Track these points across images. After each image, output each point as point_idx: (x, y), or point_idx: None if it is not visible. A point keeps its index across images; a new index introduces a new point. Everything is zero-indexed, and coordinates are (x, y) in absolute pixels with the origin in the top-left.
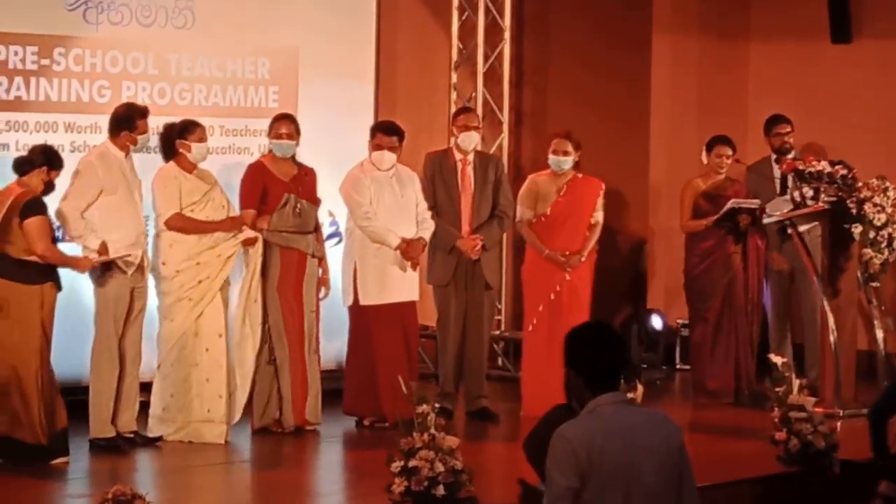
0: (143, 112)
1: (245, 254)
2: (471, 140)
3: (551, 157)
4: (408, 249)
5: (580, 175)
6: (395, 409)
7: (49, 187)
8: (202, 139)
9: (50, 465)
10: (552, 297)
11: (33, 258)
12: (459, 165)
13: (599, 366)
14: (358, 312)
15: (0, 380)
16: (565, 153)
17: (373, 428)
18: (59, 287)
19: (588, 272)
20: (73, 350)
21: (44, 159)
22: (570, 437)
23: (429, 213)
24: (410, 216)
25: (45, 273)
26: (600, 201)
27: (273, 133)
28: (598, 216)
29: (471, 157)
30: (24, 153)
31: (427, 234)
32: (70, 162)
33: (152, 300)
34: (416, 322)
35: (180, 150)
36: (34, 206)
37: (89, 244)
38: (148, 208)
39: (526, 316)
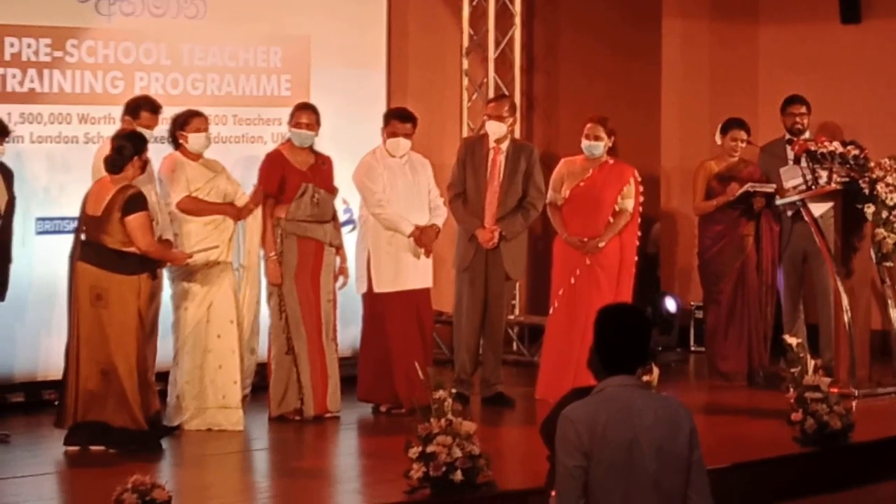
0: (153, 106)
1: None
2: (494, 129)
3: (584, 141)
4: (421, 236)
5: (611, 161)
6: (411, 395)
7: (143, 169)
8: (199, 129)
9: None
10: (572, 280)
11: (131, 249)
12: (492, 154)
13: (616, 348)
14: (372, 300)
15: (100, 367)
16: (597, 138)
17: (389, 414)
18: (154, 277)
19: (615, 259)
20: None
21: (132, 149)
22: (572, 417)
23: (441, 200)
24: (423, 203)
25: (142, 264)
26: (629, 189)
27: (293, 122)
28: (626, 203)
29: (504, 145)
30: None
31: (440, 221)
32: (83, 153)
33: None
34: (431, 308)
35: (180, 141)
36: (137, 202)
37: None
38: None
39: (552, 297)
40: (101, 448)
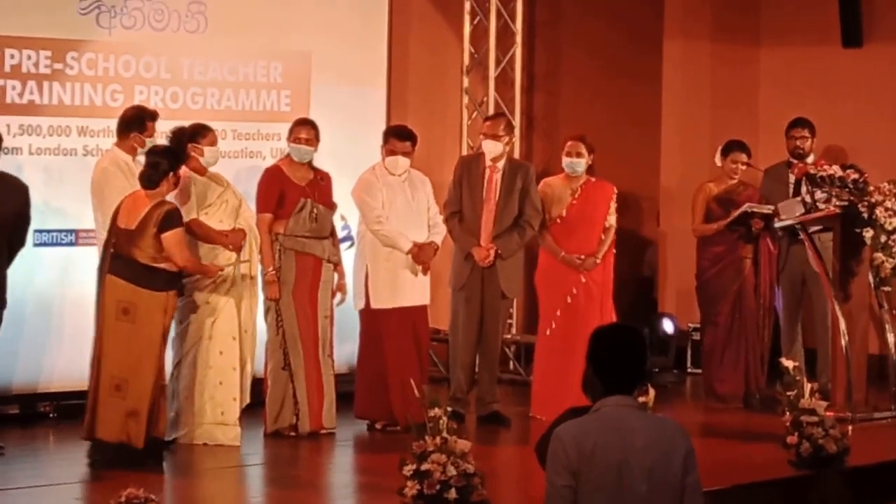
0: (153, 115)
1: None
2: (490, 148)
3: (565, 159)
4: (419, 253)
5: (593, 179)
6: (407, 412)
7: (177, 184)
8: (214, 143)
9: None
10: (569, 300)
11: (161, 265)
12: (488, 172)
13: (613, 368)
14: (369, 316)
15: (119, 382)
16: (578, 155)
17: (384, 431)
18: (181, 294)
19: (605, 275)
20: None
21: (167, 165)
22: (562, 436)
23: (440, 218)
24: (422, 220)
25: (172, 281)
26: (613, 205)
27: (293, 137)
28: (612, 219)
29: (501, 163)
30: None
31: (438, 239)
32: (81, 165)
33: None
34: (427, 326)
35: (192, 154)
36: (173, 219)
37: None
38: None
39: (542, 320)
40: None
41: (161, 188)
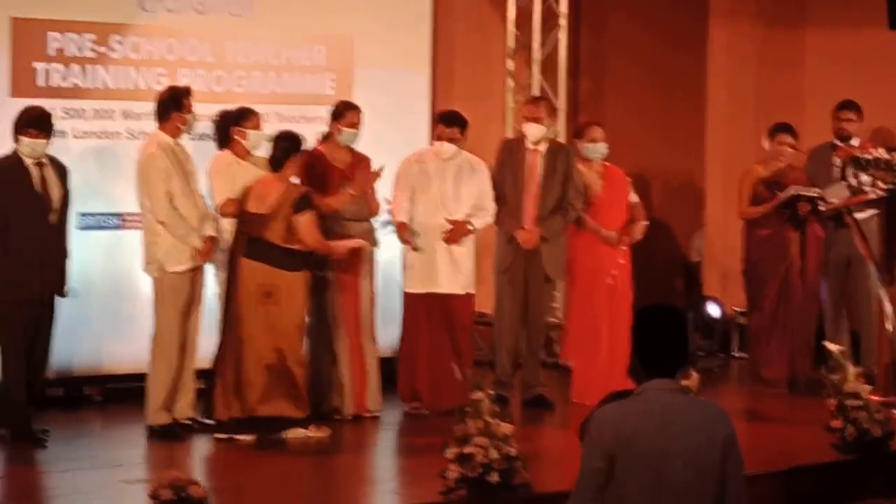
0: (186, 91)
1: None
2: (532, 131)
3: (589, 145)
4: (450, 232)
5: (606, 163)
6: (435, 397)
7: (300, 166)
8: (258, 126)
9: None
10: (609, 281)
11: (294, 246)
12: (530, 156)
13: (654, 351)
14: (406, 299)
15: (268, 362)
16: (603, 140)
17: (414, 416)
18: (312, 273)
19: (629, 256)
20: (131, 338)
21: (290, 147)
22: (601, 418)
23: (493, 205)
24: (457, 206)
25: (306, 260)
26: (630, 184)
27: (344, 121)
28: (635, 196)
29: (542, 146)
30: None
31: (477, 222)
32: (125, 149)
33: (210, 287)
34: (468, 315)
35: (236, 137)
36: (307, 201)
37: (193, 242)
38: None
39: (580, 301)
40: (300, 436)
41: (286, 170)
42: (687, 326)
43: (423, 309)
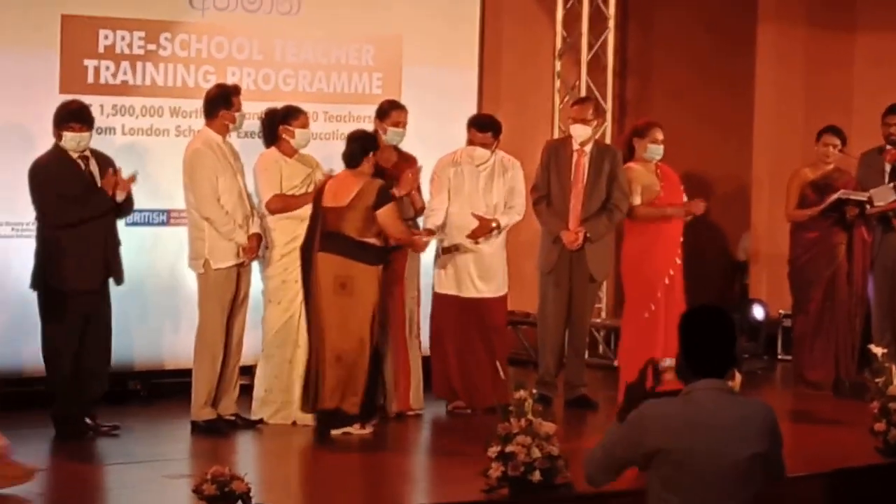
0: (235, 89)
1: None
2: (579, 132)
3: (651, 146)
4: (476, 229)
5: (660, 163)
6: (471, 396)
7: (375, 166)
8: (305, 125)
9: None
10: (667, 281)
11: (370, 240)
12: (575, 156)
13: (703, 351)
14: (434, 299)
15: (339, 353)
16: (663, 142)
17: (457, 414)
18: (386, 268)
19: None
20: (176, 333)
21: (366, 146)
22: (647, 413)
23: (522, 203)
24: (491, 208)
25: (380, 255)
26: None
27: (391, 121)
28: (684, 197)
29: (588, 147)
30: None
31: (504, 220)
32: (173, 146)
33: (255, 285)
34: (500, 314)
35: (283, 136)
36: (386, 195)
37: (238, 239)
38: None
39: (637, 303)
40: (341, 432)
41: (363, 167)
42: (734, 327)
43: (452, 309)
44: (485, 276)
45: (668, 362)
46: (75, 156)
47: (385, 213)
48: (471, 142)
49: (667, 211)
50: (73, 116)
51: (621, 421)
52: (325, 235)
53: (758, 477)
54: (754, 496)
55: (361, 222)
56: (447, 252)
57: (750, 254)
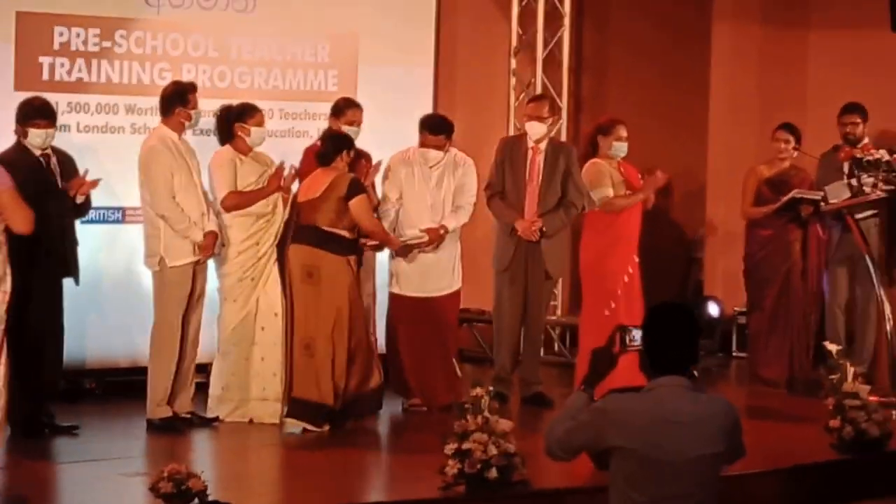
0: (191, 86)
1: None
2: (534, 130)
3: (616, 143)
4: (427, 242)
5: (621, 160)
6: (428, 394)
7: (351, 164)
8: (261, 123)
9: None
10: (626, 279)
11: (341, 232)
12: (530, 153)
13: (665, 348)
14: (389, 298)
15: (308, 342)
16: (627, 138)
17: (413, 412)
18: (360, 263)
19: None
20: (131, 331)
21: (339, 146)
22: (610, 409)
23: (471, 202)
24: (448, 205)
25: (351, 247)
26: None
27: (346, 119)
28: None
29: (543, 145)
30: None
31: (453, 224)
32: (129, 143)
33: (210, 282)
34: (452, 311)
35: (239, 134)
36: (358, 186)
37: (194, 237)
38: None
39: (597, 301)
40: (312, 427)
41: (337, 164)
42: (697, 325)
43: (405, 308)
44: (436, 274)
45: (637, 332)
46: (37, 153)
47: (357, 204)
48: (423, 144)
49: (639, 195)
50: (39, 113)
51: (587, 387)
52: (298, 229)
53: (718, 473)
54: (716, 493)
55: (334, 213)
56: (400, 253)
57: (705, 251)
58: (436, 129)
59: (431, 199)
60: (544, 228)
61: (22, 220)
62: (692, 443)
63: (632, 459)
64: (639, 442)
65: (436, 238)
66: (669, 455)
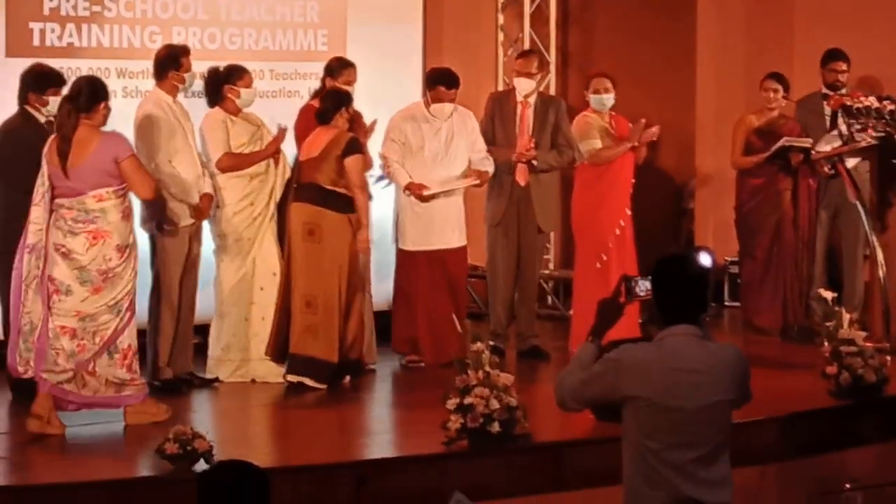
0: (184, 50)
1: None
2: (522, 86)
3: (593, 96)
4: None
5: (612, 113)
6: (437, 350)
7: (350, 120)
8: (250, 84)
9: (338, 383)
10: (618, 232)
11: (341, 189)
12: (520, 108)
13: (675, 298)
14: (400, 256)
15: (309, 299)
16: (607, 91)
17: (411, 368)
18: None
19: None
20: None
21: (338, 103)
22: (623, 359)
23: (486, 150)
24: (456, 163)
25: (351, 204)
26: None
27: (343, 79)
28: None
29: (532, 99)
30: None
31: (490, 167)
32: (121, 107)
33: (207, 244)
34: (463, 266)
35: (228, 95)
36: (356, 145)
37: (191, 200)
38: None
39: (588, 254)
40: (314, 383)
41: (336, 121)
42: (706, 274)
43: (419, 264)
44: (444, 227)
45: (644, 282)
46: (42, 121)
47: (351, 162)
48: (438, 99)
49: (625, 145)
50: (56, 80)
51: (595, 337)
52: (299, 187)
53: (730, 419)
54: (729, 437)
55: (335, 172)
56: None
57: (696, 201)
58: (453, 82)
59: (443, 152)
60: (535, 162)
61: (146, 187)
62: (706, 390)
63: (646, 409)
64: (653, 391)
65: (486, 180)
66: (684, 402)
